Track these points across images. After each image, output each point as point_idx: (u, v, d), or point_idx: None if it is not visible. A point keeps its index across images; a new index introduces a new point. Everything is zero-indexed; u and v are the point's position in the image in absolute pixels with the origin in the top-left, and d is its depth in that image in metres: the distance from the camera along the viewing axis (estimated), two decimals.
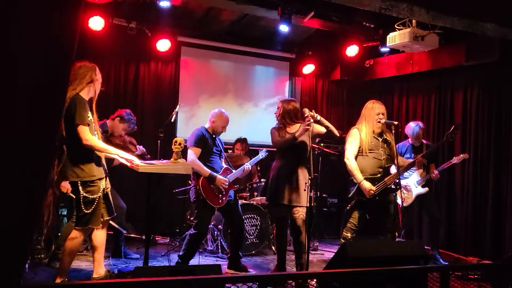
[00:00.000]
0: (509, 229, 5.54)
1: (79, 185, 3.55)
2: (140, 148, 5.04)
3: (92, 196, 3.57)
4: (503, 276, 3.38)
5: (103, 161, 3.75)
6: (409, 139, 5.72)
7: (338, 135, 4.36)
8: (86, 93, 3.67)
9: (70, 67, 2.10)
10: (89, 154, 3.59)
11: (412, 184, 5.54)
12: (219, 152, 4.75)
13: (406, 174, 5.59)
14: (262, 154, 5.22)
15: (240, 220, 4.84)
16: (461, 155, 5.49)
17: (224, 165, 4.77)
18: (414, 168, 5.48)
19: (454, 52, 5.99)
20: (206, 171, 4.51)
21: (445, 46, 5.85)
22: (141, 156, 4.82)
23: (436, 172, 5.43)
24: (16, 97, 1.90)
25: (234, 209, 4.76)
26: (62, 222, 4.96)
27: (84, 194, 3.55)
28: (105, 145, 3.63)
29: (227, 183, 4.57)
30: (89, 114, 3.63)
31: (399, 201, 5.39)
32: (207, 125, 4.71)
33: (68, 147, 3.56)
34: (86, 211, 3.55)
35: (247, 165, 4.86)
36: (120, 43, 6.24)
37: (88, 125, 3.55)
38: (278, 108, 4.45)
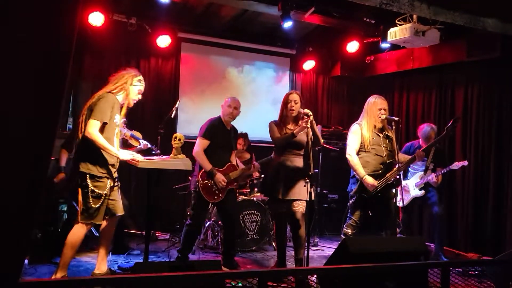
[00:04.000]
0: (510, 225, 5.54)
1: (87, 178, 3.58)
2: (144, 143, 5.03)
3: (99, 192, 3.60)
4: (503, 272, 3.37)
5: (116, 162, 3.76)
6: (420, 140, 5.62)
7: (321, 145, 4.40)
8: (122, 96, 3.76)
9: (69, 62, 2.08)
10: (102, 152, 3.62)
11: (411, 186, 5.50)
12: (229, 147, 4.70)
13: (408, 174, 5.55)
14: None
15: (233, 216, 4.77)
16: (461, 162, 5.38)
17: (233, 161, 4.73)
18: (419, 166, 5.44)
19: (455, 48, 5.97)
20: (208, 165, 4.48)
21: (446, 42, 5.82)
22: (147, 151, 4.85)
23: (433, 175, 5.35)
24: (16, 91, 1.89)
25: (228, 205, 4.70)
26: (61, 218, 4.96)
27: (92, 187, 3.58)
28: (107, 143, 3.61)
29: (225, 182, 4.52)
30: (117, 116, 3.68)
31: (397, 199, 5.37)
32: (221, 115, 4.71)
33: (85, 141, 3.58)
34: (93, 205, 3.58)
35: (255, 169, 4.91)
36: (120, 39, 6.23)
37: (105, 123, 3.58)
38: (298, 102, 4.34)
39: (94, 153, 3.60)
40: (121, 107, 3.79)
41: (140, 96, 3.87)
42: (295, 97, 4.35)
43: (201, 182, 4.47)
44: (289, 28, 5.84)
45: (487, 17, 4.42)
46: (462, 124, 6.11)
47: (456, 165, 5.37)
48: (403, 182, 5.40)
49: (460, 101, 6.27)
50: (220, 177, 4.49)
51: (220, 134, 4.61)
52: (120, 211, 3.84)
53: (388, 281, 3.06)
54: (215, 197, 4.54)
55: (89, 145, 3.57)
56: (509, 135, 5.64)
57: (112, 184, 3.71)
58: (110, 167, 3.69)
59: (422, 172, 5.47)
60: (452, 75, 6.41)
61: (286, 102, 4.37)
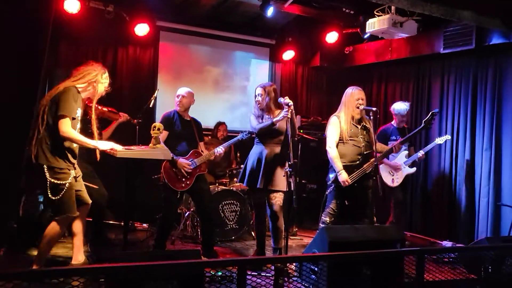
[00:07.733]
0: (482, 214, 5.69)
1: (45, 170, 3.45)
2: (124, 115, 4.97)
3: (60, 182, 3.48)
4: (475, 258, 3.48)
5: (76, 150, 3.69)
6: (394, 122, 5.68)
7: (296, 135, 4.45)
8: (85, 91, 3.69)
9: (45, 50, 2.05)
10: (65, 144, 3.55)
11: (402, 165, 5.56)
12: (190, 136, 4.67)
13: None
14: (242, 135, 5.12)
15: (209, 206, 4.74)
16: (443, 136, 5.64)
17: (198, 149, 4.70)
18: (403, 147, 5.55)
19: (432, 39, 6.06)
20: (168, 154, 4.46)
21: (423, 34, 5.91)
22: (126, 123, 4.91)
23: (422, 152, 5.54)
24: None
25: (203, 195, 4.68)
26: (38, 209, 4.88)
27: (51, 180, 3.46)
28: (83, 138, 3.56)
29: (190, 166, 4.51)
30: (78, 110, 3.61)
31: (388, 182, 5.47)
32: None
33: (46, 130, 3.49)
34: (53, 198, 3.46)
35: (219, 149, 4.75)
36: (97, 27, 6.09)
37: (73, 119, 3.52)
38: (262, 95, 4.41)
39: (54, 144, 3.49)
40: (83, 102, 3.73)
41: (104, 91, 3.83)
42: (258, 91, 4.46)
43: (164, 172, 4.47)
44: (269, 17, 5.81)
45: (463, 9, 4.50)
46: (438, 114, 6.22)
47: (440, 139, 5.59)
48: (395, 162, 5.54)
49: (436, 92, 6.38)
50: (182, 162, 4.48)
51: (179, 123, 4.61)
52: (88, 200, 3.78)
53: (365, 268, 3.12)
54: (182, 184, 4.51)
55: (49, 136, 3.48)
56: (483, 126, 5.78)
57: (75, 175, 3.62)
58: (71, 158, 3.60)
59: (407, 151, 5.62)
60: (429, 66, 6.51)
61: (254, 95, 4.51)
